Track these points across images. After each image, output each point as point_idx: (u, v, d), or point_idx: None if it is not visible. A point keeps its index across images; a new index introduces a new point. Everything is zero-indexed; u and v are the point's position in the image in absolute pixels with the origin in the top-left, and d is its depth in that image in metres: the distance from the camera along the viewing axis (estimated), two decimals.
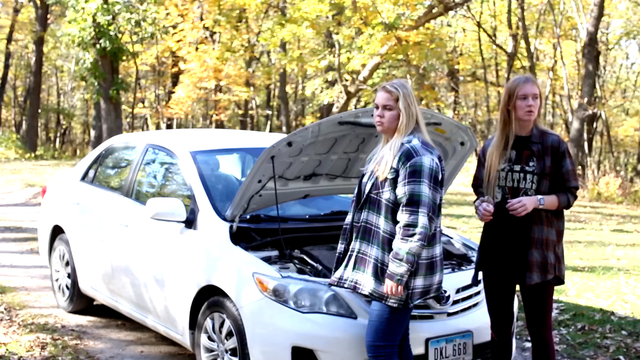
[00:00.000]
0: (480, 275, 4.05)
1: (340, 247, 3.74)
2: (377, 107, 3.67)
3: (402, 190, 3.48)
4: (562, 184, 3.81)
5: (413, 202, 3.44)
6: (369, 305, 3.71)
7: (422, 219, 3.43)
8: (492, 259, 3.89)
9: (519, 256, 3.78)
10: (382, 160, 3.57)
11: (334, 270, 3.75)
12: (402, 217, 3.46)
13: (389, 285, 3.46)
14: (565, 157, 3.80)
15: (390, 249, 3.50)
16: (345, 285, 3.63)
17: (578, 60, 26.08)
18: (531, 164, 3.78)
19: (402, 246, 3.43)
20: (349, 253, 3.66)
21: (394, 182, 3.51)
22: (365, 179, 3.67)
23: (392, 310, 3.54)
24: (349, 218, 3.72)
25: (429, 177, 3.48)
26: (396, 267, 3.43)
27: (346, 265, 3.64)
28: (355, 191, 3.73)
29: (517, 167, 3.80)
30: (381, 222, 3.54)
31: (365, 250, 3.59)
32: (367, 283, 3.55)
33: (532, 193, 3.76)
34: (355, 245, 3.63)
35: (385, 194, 3.53)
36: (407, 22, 19.15)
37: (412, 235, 3.42)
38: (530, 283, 3.76)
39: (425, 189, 3.46)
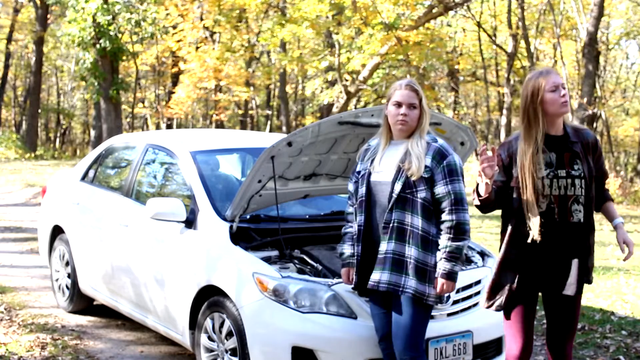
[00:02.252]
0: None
1: (357, 249, 3.63)
2: (399, 105, 3.58)
3: (444, 190, 3.51)
4: (601, 184, 3.58)
5: (458, 200, 3.51)
6: (368, 305, 3.71)
7: (468, 217, 3.54)
8: (541, 274, 3.45)
9: (568, 265, 3.42)
10: (412, 160, 3.50)
11: (356, 275, 3.64)
12: (450, 216, 3.49)
13: (444, 284, 3.48)
14: (602, 154, 3.55)
15: (427, 248, 3.50)
16: (380, 289, 3.52)
17: (578, 60, 26.08)
18: (576, 167, 3.42)
19: (456, 244, 3.48)
20: (380, 255, 3.54)
21: (428, 181, 3.51)
22: (381, 178, 3.57)
23: (427, 309, 3.58)
24: (359, 219, 3.62)
25: (462, 175, 3.60)
26: (453, 266, 3.48)
27: (383, 269, 3.51)
28: (363, 192, 3.62)
29: (563, 172, 3.41)
30: (418, 222, 3.50)
31: (401, 251, 3.50)
32: (409, 284, 3.48)
33: (582, 200, 3.41)
34: (387, 246, 3.51)
35: (421, 193, 3.51)
36: (407, 22, 19.14)
37: (464, 232, 3.50)
38: (579, 291, 3.44)
39: (463, 187, 3.57)
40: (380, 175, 3.60)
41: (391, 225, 3.52)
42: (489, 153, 3.28)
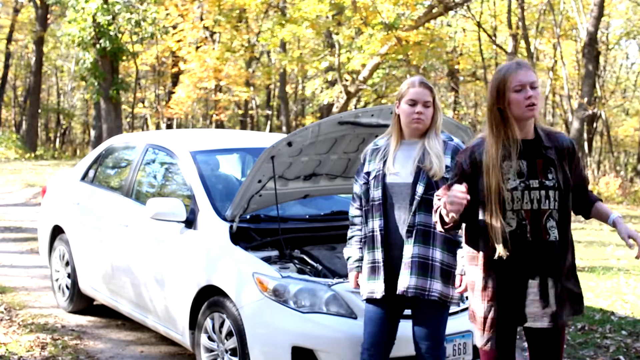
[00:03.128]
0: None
1: (378, 254, 3.48)
2: (413, 104, 3.47)
3: None
4: (583, 194, 3.09)
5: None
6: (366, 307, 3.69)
7: None
8: (515, 303, 2.95)
9: (547, 292, 2.91)
10: (432, 159, 3.42)
11: (384, 282, 3.47)
12: None
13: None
14: (580, 160, 3.08)
15: (451, 250, 3.45)
16: (409, 294, 3.41)
17: (578, 60, 26.09)
18: (550, 176, 2.92)
19: None
20: (406, 259, 3.42)
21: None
22: (398, 180, 3.46)
23: (448, 310, 3.55)
24: (378, 223, 3.48)
25: None
26: None
27: (410, 273, 3.41)
28: (379, 194, 3.48)
29: (535, 183, 2.91)
30: None
31: (425, 254, 3.42)
32: (434, 287, 3.42)
33: (556, 215, 2.91)
34: (411, 250, 3.42)
35: None
36: (407, 22, 19.13)
37: None
38: (563, 322, 2.94)
39: None
40: (397, 177, 3.48)
41: (415, 228, 3.42)
42: (462, 187, 2.78)
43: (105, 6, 18.05)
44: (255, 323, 3.93)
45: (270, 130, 28.72)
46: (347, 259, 3.70)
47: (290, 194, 4.65)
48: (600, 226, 12.32)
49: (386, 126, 3.76)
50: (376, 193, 3.50)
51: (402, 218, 3.47)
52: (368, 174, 3.56)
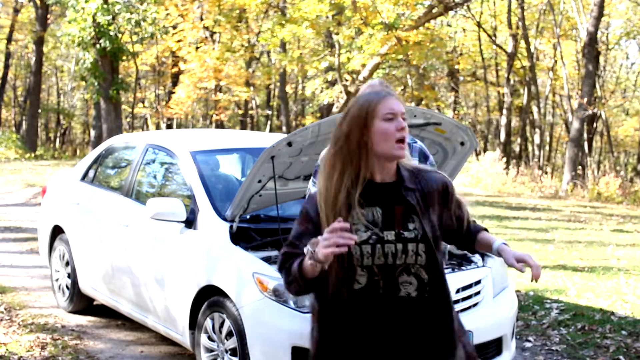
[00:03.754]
0: None
1: None
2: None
3: None
4: (461, 232, 2.51)
5: None
6: None
7: None
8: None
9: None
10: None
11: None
12: None
13: None
14: (458, 200, 2.48)
15: None
16: None
17: (578, 60, 26.09)
18: (411, 225, 2.32)
19: None
20: None
21: None
22: None
23: None
24: None
25: None
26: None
27: None
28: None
29: (391, 235, 2.30)
30: None
31: None
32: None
33: (418, 269, 2.32)
34: None
35: None
36: (407, 22, 19.14)
37: None
38: None
39: None
40: None
41: None
42: (346, 225, 2.14)
43: (105, 6, 18.05)
44: (255, 323, 3.93)
45: (270, 130, 28.73)
46: None
47: (290, 194, 4.65)
48: (600, 226, 12.33)
49: None
50: None
51: None
52: None
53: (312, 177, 3.70)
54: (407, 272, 2.33)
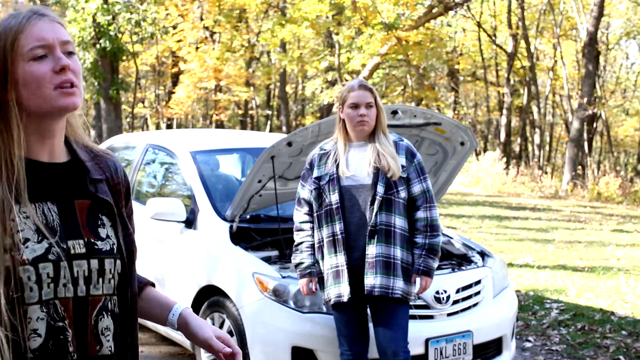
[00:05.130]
0: None
1: (342, 259, 3.47)
2: (355, 107, 3.51)
3: (419, 188, 3.54)
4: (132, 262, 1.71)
5: (429, 198, 3.56)
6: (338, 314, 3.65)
7: (438, 214, 3.59)
8: None
9: None
10: (388, 160, 3.46)
11: (349, 285, 3.45)
12: (425, 213, 3.53)
13: (426, 282, 3.53)
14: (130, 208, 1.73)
15: (408, 247, 3.52)
16: (376, 293, 3.45)
17: (578, 60, 26.10)
18: (103, 231, 1.52)
19: (434, 241, 3.52)
20: (370, 259, 3.44)
21: (405, 181, 3.52)
22: (355, 182, 3.49)
23: (409, 309, 3.60)
24: (339, 227, 3.47)
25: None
26: (432, 263, 3.53)
27: (375, 272, 3.44)
28: (336, 198, 3.48)
29: (79, 246, 1.43)
30: (399, 222, 3.49)
31: (387, 253, 3.46)
32: (397, 285, 3.47)
33: (116, 306, 1.49)
34: (374, 250, 3.44)
35: (402, 193, 3.50)
36: (407, 22, 19.15)
37: (438, 229, 3.55)
38: None
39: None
40: (353, 180, 3.51)
41: (377, 228, 3.46)
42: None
43: (105, 6, 18.06)
44: (255, 323, 3.93)
45: (270, 130, 28.73)
46: (298, 265, 3.64)
47: (290, 194, 4.65)
48: (600, 226, 12.33)
49: (388, 126, 3.77)
50: (333, 197, 3.51)
51: (363, 220, 3.49)
52: (319, 178, 3.58)
53: (300, 180, 3.72)
54: (106, 311, 1.49)
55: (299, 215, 3.67)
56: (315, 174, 3.61)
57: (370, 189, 3.48)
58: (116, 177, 1.60)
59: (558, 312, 6.18)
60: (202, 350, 4.34)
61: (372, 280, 3.45)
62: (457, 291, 4.10)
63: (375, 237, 3.46)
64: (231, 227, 4.34)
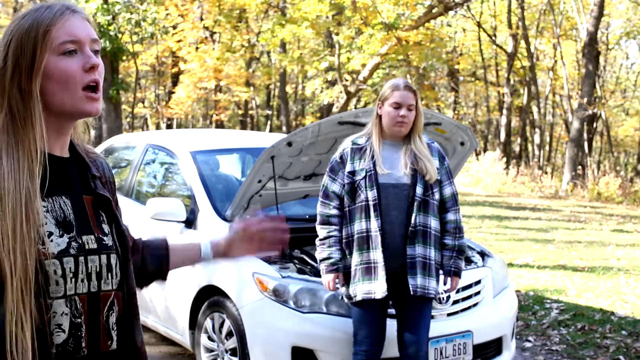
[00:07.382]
0: None
1: (378, 255, 3.42)
2: (398, 107, 3.51)
3: (450, 190, 3.61)
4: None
5: (456, 200, 3.66)
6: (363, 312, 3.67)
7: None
8: None
9: None
10: (425, 163, 3.48)
11: (372, 280, 3.43)
12: (454, 216, 3.62)
13: (455, 282, 3.63)
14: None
15: (439, 248, 3.58)
16: (419, 293, 3.45)
17: (578, 60, 26.11)
18: (105, 228, 1.56)
19: (461, 242, 3.62)
20: (409, 260, 3.44)
21: (437, 183, 3.55)
22: (393, 180, 3.47)
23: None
24: (376, 223, 3.43)
25: None
26: (461, 263, 3.62)
27: (415, 273, 3.45)
28: (374, 194, 3.44)
29: (91, 241, 1.48)
30: (434, 223, 3.53)
31: (425, 254, 3.48)
32: (432, 286, 3.50)
33: (117, 302, 1.61)
34: (413, 250, 3.46)
35: (436, 195, 3.54)
36: (407, 22, 19.16)
37: (462, 231, 3.66)
38: None
39: None
40: (390, 177, 3.49)
41: (415, 229, 3.47)
42: None
43: (105, 6, 18.06)
44: (255, 323, 3.93)
45: (270, 130, 28.73)
46: (323, 260, 3.58)
47: (290, 194, 4.66)
48: (600, 226, 12.33)
49: None
50: (370, 193, 3.47)
51: (399, 218, 3.48)
52: (353, 173, 3.53)
53: (327, 173, 3.63)
54: (112, 307, 1.51)
55: (328, 208, 3.58)
56: (349, 168, 3.54)
57: (408, 189, 3.48)
58: (105, 175, 1.61)
59: (558, 312, 6.18)
60: (202, 350, 4.34)
61: (413, 280, 3.46)
62: (457, 291, 4.09)
63: (415, 237, 3.48)
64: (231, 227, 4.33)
